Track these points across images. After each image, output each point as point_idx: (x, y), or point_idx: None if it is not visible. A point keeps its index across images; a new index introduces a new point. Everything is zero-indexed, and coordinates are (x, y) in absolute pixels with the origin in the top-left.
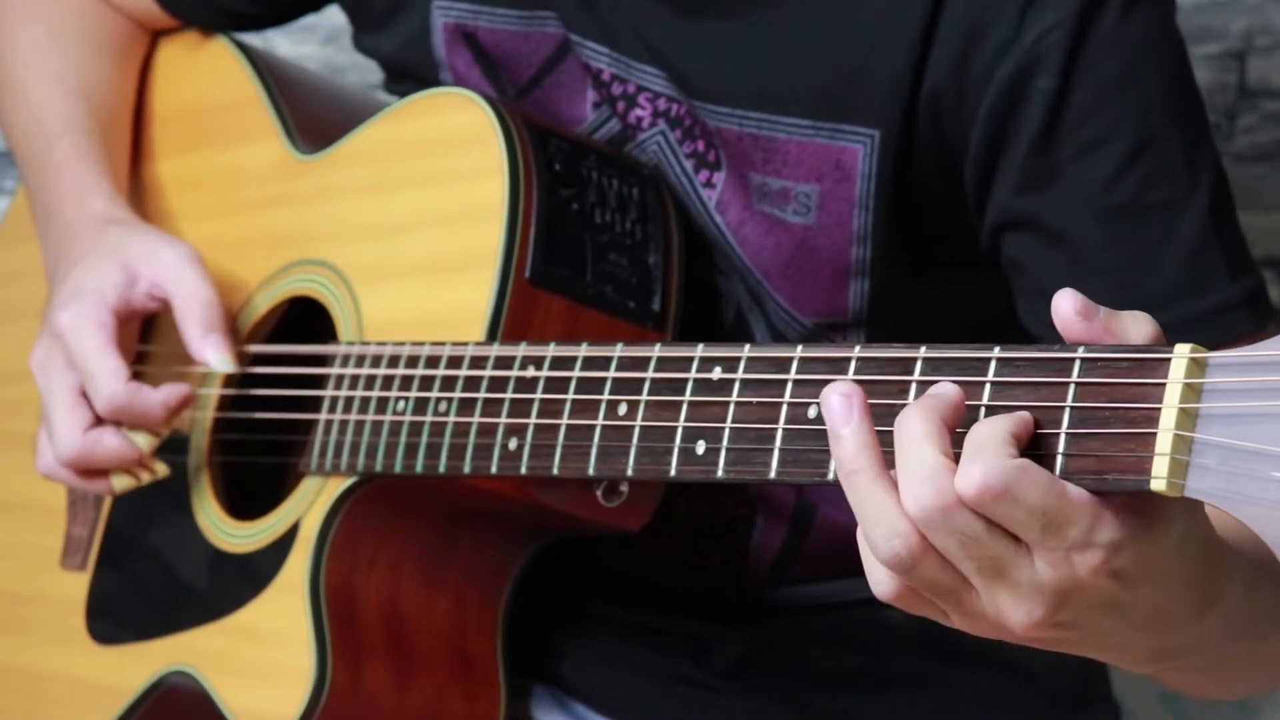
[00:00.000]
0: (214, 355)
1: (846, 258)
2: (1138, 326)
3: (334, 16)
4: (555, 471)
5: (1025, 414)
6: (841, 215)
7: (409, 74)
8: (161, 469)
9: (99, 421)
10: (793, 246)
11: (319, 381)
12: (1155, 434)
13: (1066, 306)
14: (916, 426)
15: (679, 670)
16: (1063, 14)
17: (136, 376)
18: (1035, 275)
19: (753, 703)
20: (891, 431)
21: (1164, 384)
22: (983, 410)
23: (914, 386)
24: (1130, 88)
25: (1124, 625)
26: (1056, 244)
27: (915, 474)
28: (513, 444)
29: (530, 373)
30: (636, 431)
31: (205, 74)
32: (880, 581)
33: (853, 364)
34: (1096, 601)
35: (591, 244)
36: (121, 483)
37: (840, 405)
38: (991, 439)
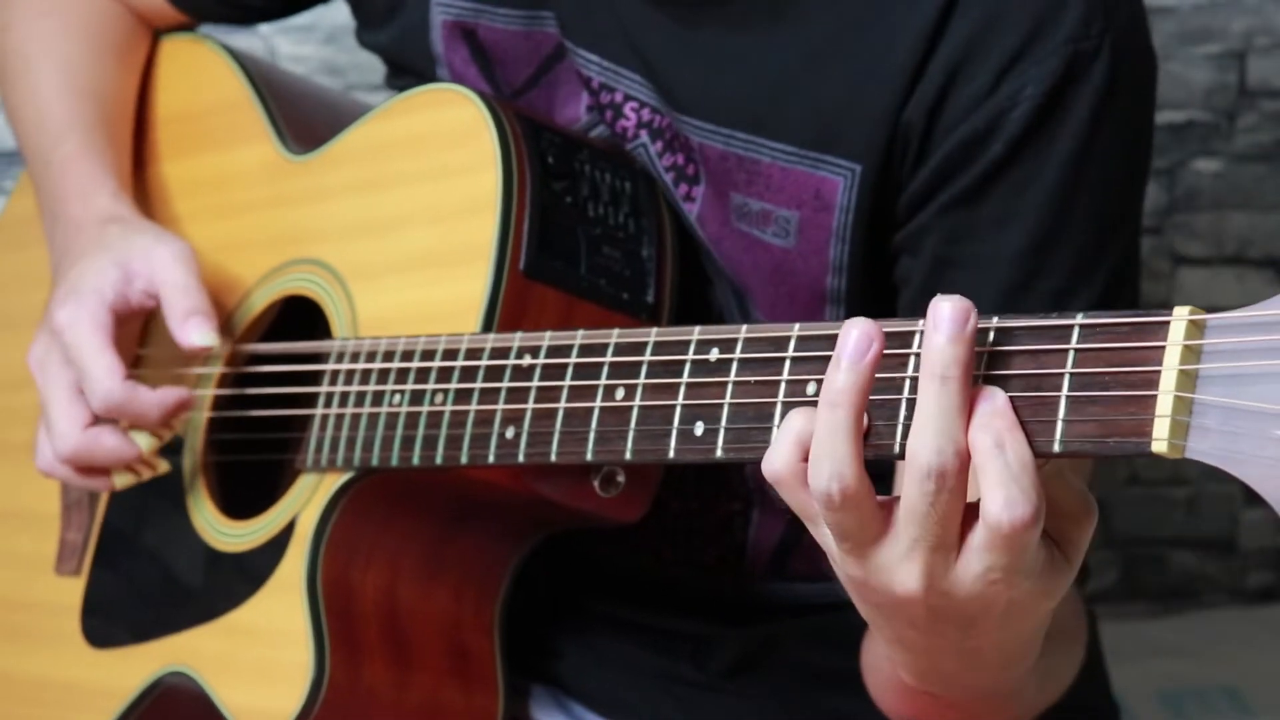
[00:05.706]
0: (196, 334)
1: (822, 285)
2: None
3: (334, 17)
4: (553, 458)
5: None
6: (819, 244)
7: (407, 68)
8: (163, 465)
9: (98, 419)
10: (772, 266)
11: (314, 378)
12: (1155, 396)
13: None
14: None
15: (678, 670)
16: (1038, 89)
17: (133, 379)
18: (922, 291)
19: (752, 703)
20: (889, 399)
21: (1163, 347)
22: (981, 380)
23: (912, 359)
24: (1068, 179)
25: (952, 640)
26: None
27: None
28: (510, 432)
29: (526, 361)
30: (634, 414)
31: (197, 78)
32: (773, 459)
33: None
34: (978, 610)
35: (585, 237)
36: (122, 479)
37: (857, 340)
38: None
